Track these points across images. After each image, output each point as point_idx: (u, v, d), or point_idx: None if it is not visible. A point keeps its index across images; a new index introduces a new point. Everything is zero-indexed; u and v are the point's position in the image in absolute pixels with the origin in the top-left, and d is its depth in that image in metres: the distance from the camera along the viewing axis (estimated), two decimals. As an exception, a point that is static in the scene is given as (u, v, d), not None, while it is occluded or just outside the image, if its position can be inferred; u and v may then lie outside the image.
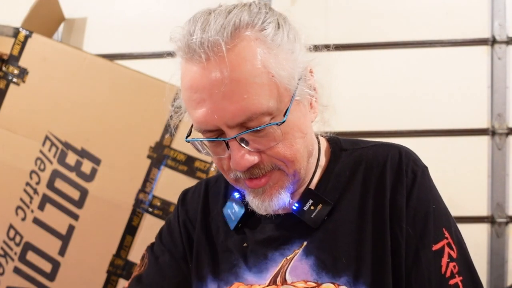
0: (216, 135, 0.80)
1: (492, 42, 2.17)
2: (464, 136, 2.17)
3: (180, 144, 1.76)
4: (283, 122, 0.77)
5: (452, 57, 2.19)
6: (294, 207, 0.87)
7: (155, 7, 2.37)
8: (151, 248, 1.06)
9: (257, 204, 0.85)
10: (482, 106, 2.17)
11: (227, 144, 0.78)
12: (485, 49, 2.18)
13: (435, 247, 0.83)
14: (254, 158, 0.78)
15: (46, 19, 2.21)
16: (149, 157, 1.76)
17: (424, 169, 0.88)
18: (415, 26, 2.21)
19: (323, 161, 0.92)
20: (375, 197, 0.85)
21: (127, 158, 1.76)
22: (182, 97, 0.84)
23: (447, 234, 0.84)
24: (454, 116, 2.17)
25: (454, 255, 0.83)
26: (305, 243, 0.85)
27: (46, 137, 1.76)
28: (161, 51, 2.31)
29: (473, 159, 2.16)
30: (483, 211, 2.15)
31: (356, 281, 0.80)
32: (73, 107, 1.77)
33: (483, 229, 2.14)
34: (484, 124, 2.17)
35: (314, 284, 0.81)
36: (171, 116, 0.93)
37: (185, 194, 1.06)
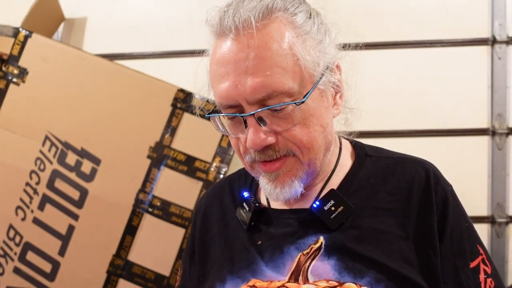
0: (236, 112, 0.81)
1: (492, 42, 2.17)
2: (464, 136, 2.17)
3: (180, 144, 1.77)
4: (302, 102, 0.78)
5: (452, 57, 2.19)
6: (314, 205, 0.87)
7: (155, 7, 2.36)
8: (182, 259, 1.09)
9: (269, 190, 0.86)
10: (482, 106, 2.17)
11: (245, 122, 0.80)
12: (485, 49, 2.18)
13: (472, 264, 0.85)
14: (270, 139, 0.80)
15: (46, 19, 2.21)
16: (149, 157, 1.76)
17: (451, 187, 0.90)
18: (415, 26, 2.21)
19: (346, 161, 0.93)
20: (401, 211, 0.86)
21: (127, 158, 1.76)
22: (209, 73, 0.86)
23: (481, 251, 0.87)
24: (454, 116, 2.17)
25: (489, 270, 0.86)
26: (321, 237, 0.85)
27: (46, 137, 1.76)
28: (161, 51, 2.31)
29: (473, 159, 2.15)
30: (483, 211, 2.15)
31: (377, 283, 0.80)
32: (73, 107, 1.77)
33: (483, 229, 2.13)
34: (484, 124, 2.17)
35: (336, 283, 0.81)
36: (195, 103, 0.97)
37: (201, 200, 1.08)
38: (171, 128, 1.77)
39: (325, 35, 0.85)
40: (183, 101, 1.76)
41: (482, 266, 0.85)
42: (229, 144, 1.74)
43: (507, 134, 2.16)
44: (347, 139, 0.98)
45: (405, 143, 2.16)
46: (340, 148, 0.94)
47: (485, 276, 0.85)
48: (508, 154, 2.16)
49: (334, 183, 0.91)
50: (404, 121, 2.19)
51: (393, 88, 2.22)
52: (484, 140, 2.17)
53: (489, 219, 2.14)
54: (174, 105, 1.77)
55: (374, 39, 2.23)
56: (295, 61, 0.78)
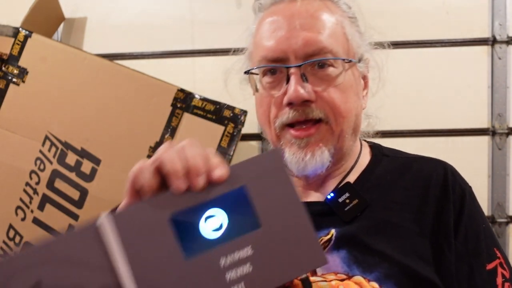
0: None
1: (492, 42, 2.17)
2: (464, 136, 2.17)
3: (180, 144, 1.76)
4: (350, 61, 0.83)
5: (452, 57, 2.19)
6: (328, 197, 0.86)
7: (155, 7, 2.36)
8: None
9: (297, 158, 0.84)
10: (482, 106, 2.17)
11: (287, 78, 0.80)
12: (485, 49, 2.18)
13: (489, 266, 0.83)
14: (311, 95, 0.81)
15: (46, 19, 2.20)
16: (149, 157, 1.75)
17: (470, 188, 0.90)
18: (415, 26, 2.21)
19: (365, 160, 0.93)
20: (417, 206, 0.85)
21: (127, 158, 1.76)
22: (255, 37, 0.87)
23: (499, 254, 0.85)
24: (454, 116, 2.17)
25: (507, 274, 0.83)
26: (332, 230, 0.83)
27: (46, 137, 1.76)
28: (161, 51, 2.31)
29: (473, 159, 2.15)
30: (484, 212, 2.15)
31: (387, 279, 0.78)
32: (73, 107, 1.77)
33: (483, 229, 2.13)
34: (484, 124, 2.17)
35: (344, 276, 0.79)
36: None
37: None
38: (171, 128, 1.77)
39: (363, 29, 0.91)
40: (183, 101, 1.76)
41: (499, 269, 0.83)
42: (229, 144, 1.74)
43: (507, 134, 2.16)
44: (366, 141, 0.99)
45: (405, 143, 2.16)
46: (361, 149, 0.94)
47: (503, 279, 0.82)
48: (508, 154, 2.16)
49: (351, 179, 0.90)
50: (404, 121, 2.19)
51: (392, 88, 2.21)
52: (484, 140, 2.17)
53: (489, 219, 2.14)
54: (174, 105, 1.77)
55: (374, 39, 2.23)
56: (343, 33, 0.83)
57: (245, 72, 0.87)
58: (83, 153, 1.75)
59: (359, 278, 0.78)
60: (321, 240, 0.84)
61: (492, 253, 0.84)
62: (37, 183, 1.75)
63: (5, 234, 1.75)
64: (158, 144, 1.76)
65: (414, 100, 2.19)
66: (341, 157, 0.88)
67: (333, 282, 0.78)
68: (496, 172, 2.15)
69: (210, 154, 0.57)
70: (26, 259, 0.53)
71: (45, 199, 1.74)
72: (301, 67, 0.80)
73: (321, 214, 0.87)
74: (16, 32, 1.79)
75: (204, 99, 1.77)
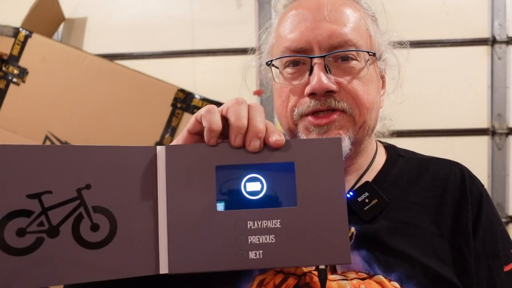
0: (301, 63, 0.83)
1: (492, 42, 2.17)
2: (464, 136, 2.17)
3: (180, 144, 1.77)
4: (374, 54, 0.82)
5: (452, 57, 2.19)
6: (348, 195, 0.85)
7: (155, 7, 2.37)
8: None
9: None
10: (482, 106, 2.17)
11: (310, 69, 0.80)
12: (485, 49, 2.18)
13: (506, 268, 0.83)
14: (334, 85, 0.80)
15: (46, 19, 2.21)
16: (149, 157, 1.76)
17: (486, 190, 0.90)
18: (415, 26, 2.21)
19: (379, 160, 0.93)
20: (435, 208, 0.85)
21: (127, 158, 1.76)
22: (277, 30, 0.86)
23: None
24: (454, 116, 2.17)
25: None
26: (352, 228, 0.83)
27: (46, 137, 1.76)
28: (161, 51, 2.31)
29: (473, 159, 2.16)
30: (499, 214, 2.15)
31: (408, 280, 0.78)
32: (73, 107, 1.77)
33: (483, 229, 2.14)
34: (484, 124, 2.17)
35: (365, 275, 0.79)
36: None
37: None
38: (171, 128, 1.77)
39: (381, 30, 0.91)
40: (183, 101, 1.76)
41: None
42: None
43: (507, 134, 2.16)
44: (380, 142, 0.99)
45: (405, 143, 2.16)
46: (376, 150, 0.94)
47: None
48: (508, 154, 2.16)
49: (368, 178, 0.89)
50: (404, 121, 2.19)
51: (392, 88, 2.22)
52: (484, 140, 2.17)
53: (489, 219, 2.14)
54: (174, 105, 1.77)
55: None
56: (366, 29, 0.84)
57: (267, 63, 0.86)
58: (83, 153, 1.76)
59: (380, 278, 0.78)
60: None
61: (509, 255, 0.85)
62: (37, 183, 1.75)
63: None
64: (158, 144, 1.76)
65: (414, 100, 2.19)
66: (357, 151, 0.87)
67: (354, 281, 0.78)
68: (496, 172, 2.15)
69: (271, 124, 0.60)
70: (84, 153, 0.56)
71: (45, 199, 1.75)
72: (324, 58, 0.80)
73: None
74: (16, 32, 1.79)
75: (204, 99, 1.77)
